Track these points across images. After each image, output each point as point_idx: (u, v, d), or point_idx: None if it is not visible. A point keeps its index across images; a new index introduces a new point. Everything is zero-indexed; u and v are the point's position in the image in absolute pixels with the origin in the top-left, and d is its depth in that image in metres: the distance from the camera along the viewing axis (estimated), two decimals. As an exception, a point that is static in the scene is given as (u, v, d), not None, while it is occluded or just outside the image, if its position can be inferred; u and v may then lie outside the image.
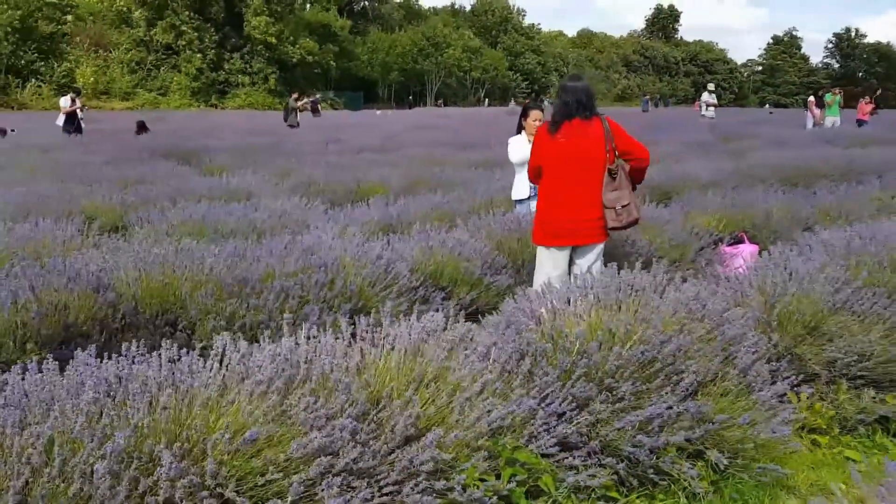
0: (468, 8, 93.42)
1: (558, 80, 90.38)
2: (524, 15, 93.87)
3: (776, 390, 3.22)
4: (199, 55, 51.45)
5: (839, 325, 3.88)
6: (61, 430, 2.08)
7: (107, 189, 8.06)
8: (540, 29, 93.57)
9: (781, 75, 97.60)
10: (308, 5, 64.56)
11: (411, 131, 19.90)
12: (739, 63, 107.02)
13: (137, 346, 2.50)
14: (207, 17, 53.78)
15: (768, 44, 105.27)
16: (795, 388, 3.79)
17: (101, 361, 2.38)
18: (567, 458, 2.77)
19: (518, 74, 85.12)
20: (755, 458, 3.08)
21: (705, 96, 25.46)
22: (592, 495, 2.77)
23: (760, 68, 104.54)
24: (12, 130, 18.23)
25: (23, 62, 47.97)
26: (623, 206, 4.51)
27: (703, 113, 24.92)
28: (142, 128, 20.14)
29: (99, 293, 4.03)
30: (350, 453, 2.23)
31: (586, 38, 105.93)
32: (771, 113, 44.70)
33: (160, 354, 2.43)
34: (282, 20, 55.11)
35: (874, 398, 3.77)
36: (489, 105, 70.42)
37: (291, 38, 55.55)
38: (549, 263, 4.65)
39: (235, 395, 2.27)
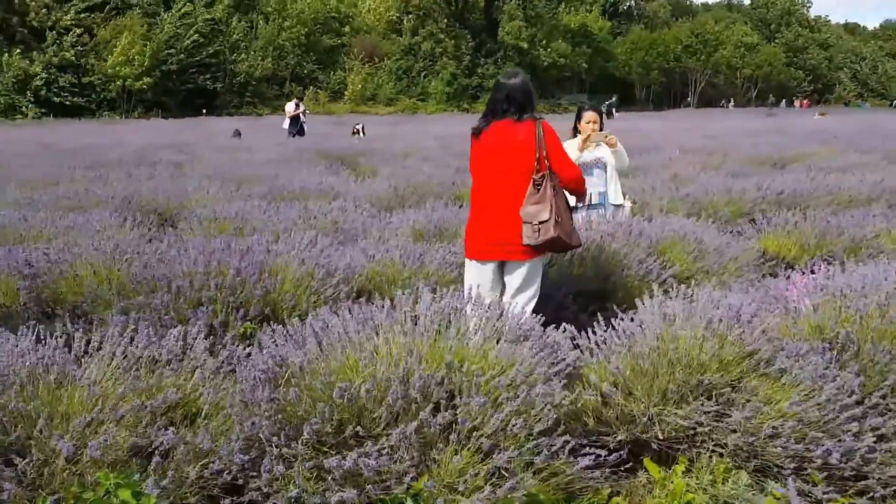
0: (746, 2, 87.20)
1: (848, 78, 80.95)
2: (810, 6, 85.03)
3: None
4: (453, 62, 53.97)
5: (729, 381, 3.02)
6: None
7: (217, 186, 8.79)
8: (828, 21, 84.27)
9: None
10: (571, 9, 64.57)
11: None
12: None
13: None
14: (466, 24, 56.21)
15: None
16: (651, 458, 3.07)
17: None
18: None
19: (799, 71, 77.48)
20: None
21: None
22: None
23: None
24: (239, 134, 20.62)
25: (305, 71, 54.00)
26: (541, 223, 3.93)
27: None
28: (357, 132, 21.76)
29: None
30: None
31: (891, 30, 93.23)
32: None
33: None
34: (536, 24, 55.81)
35: (752, 485, 2.89)
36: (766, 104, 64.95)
37: (544, 41, 56.02)
38: (471, 277, 4.18)
39: None
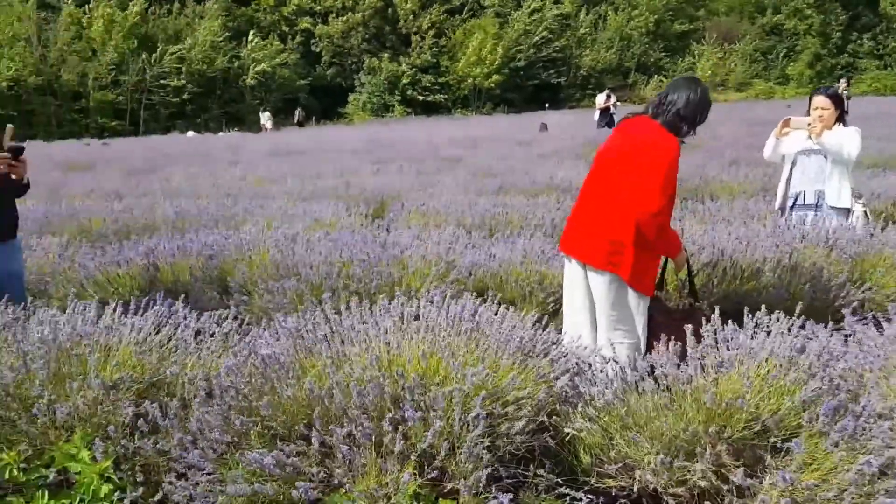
0: None
1: None
2: None
3: None
4: (818, 39, 48.14)
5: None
6: None
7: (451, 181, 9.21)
8: None
9: None
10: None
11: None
12: None
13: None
14: (839, -5, 49.67)
15: None
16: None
17: None
18: None
19: None
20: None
21: None
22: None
23: None
24: (545, 128, 21.06)
25: (651, 60, 52.70)
26: None
27: None
28: (544, 128, 21.43)
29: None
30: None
31: None
32: None
33: None
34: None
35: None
36: None
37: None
38: (566, 281, 3.78)
39: None
